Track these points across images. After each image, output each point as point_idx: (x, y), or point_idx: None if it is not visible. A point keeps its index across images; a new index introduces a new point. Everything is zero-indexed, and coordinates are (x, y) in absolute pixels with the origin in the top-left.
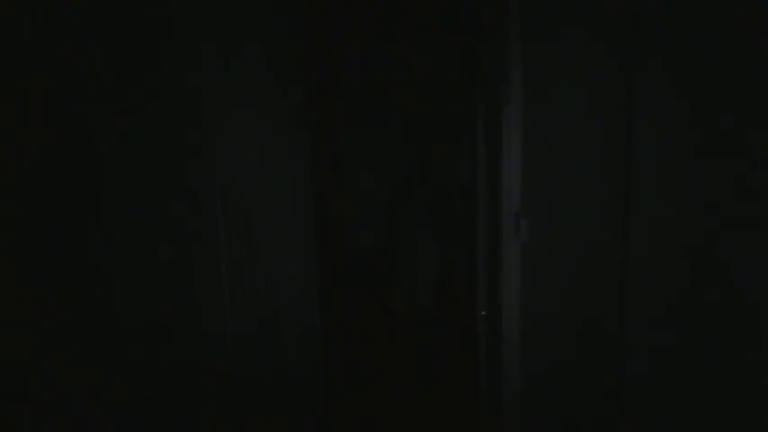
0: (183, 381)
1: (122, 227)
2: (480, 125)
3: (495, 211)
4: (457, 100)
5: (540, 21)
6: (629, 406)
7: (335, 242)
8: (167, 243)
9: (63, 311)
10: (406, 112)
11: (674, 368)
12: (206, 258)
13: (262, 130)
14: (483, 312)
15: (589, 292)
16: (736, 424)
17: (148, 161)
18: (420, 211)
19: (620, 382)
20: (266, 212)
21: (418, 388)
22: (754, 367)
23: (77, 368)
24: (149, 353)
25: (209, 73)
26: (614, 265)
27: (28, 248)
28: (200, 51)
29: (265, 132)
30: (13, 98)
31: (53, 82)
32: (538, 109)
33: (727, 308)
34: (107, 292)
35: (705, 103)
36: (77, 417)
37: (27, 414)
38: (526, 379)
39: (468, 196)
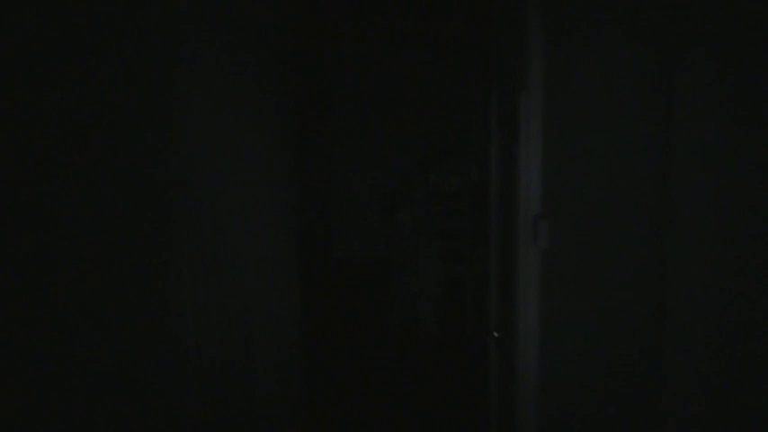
0: (140, 411)
1: (84, 237)
2: (493, 116)
3: (510, 214)
4: (464, 88)
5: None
6: None
7: (322, 254)
8: (131, 253)
9: (14, 324)
10: (403, 105)
11: (722, 410)
12: (169, 271)
13: (237, 133)
14: (495, 333)
15: (622, 311)
16: None
17: (115, 168)
18: (421, 217)
19: (660, 423)
20: (239, 220)
21: (417, 425)
22: None
23: (30, 394)
24: (105, 377)
25: (181, 75)
26: (652, 277)
27: None
28: (176, 53)
29: (241, 136)
30: None
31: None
32: (562, 95)
33: None
34: (63, 308)
35: (759, 95)
36: None
37: None
38: (545, 419)
39: (477, 198)
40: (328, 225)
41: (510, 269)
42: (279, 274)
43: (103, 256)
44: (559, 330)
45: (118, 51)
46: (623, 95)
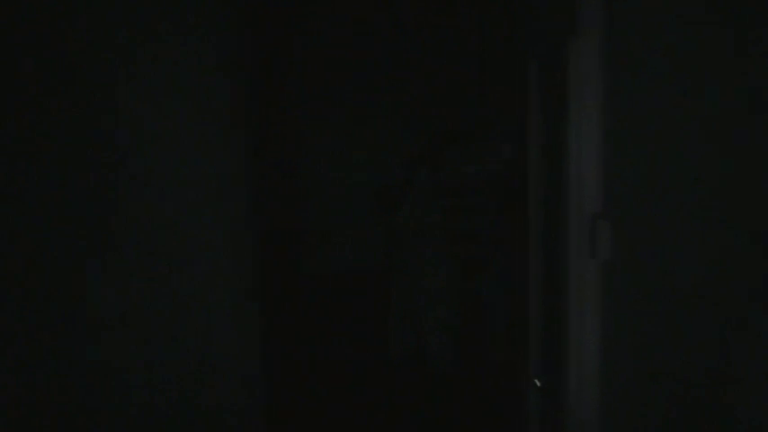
0: None
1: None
2: (533, 79)
3: (556, 213)
4: (483, 43)
5: None
6: None
7: (291, 266)
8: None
9: None
10: (401, 72)
11: None
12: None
13: (181, 126)
14: (536, 381)
15: (713, 344)
16: None
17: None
18: (428, 216)
19: None
20: (180, 226)
21: None
22: None
23: None
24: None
25: (119, 62)
26: (756, 302)
27: None
28: (114, 38)
29: (187, 130)
30: None
31: None
32: (629, 41)
33: None
34: None
35: None
36: None
37: None
38: None
39: (509, 190)
40: (301, 230)
41: (557, 288)
42: (232, 293)
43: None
44: (629, 375)
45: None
46: (724, 43)
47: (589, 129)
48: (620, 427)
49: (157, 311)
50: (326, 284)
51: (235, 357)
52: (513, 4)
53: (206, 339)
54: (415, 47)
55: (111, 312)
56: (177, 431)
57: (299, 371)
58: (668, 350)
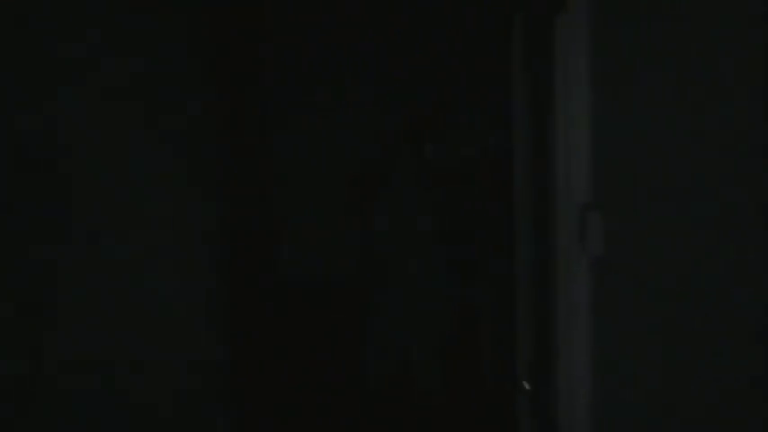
0: None
1: None
2: (518, 56)
3: (544, 204)
4: (470, 17)
5: None
6: None
7: (263, 269)
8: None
9: None
10: (379, 48)
11: None
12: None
13: (135, 119)
14: (525, 384)
15: (718, 347)
16: None
17: None
18: (409, 213)
19: None
20: (139, 224)
21: None
22: None
23: None
24: None
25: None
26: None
27: None
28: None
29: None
30: None
31: None
32: (621, 18)
33: None
34: None
35: None
36: None
37: None
38: None
39: (495, 181)
40: (270, 228)
41: (545, 286)
42: (197, 300)
43: None
44: (622, 378)
45: None
46: (728, 17)
47: (578, 110)
48: (611, 429)
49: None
50: (289, 291)
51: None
52: None
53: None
54: (399, 25)
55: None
56: None
57: (260, 385)
58: (661, 350)
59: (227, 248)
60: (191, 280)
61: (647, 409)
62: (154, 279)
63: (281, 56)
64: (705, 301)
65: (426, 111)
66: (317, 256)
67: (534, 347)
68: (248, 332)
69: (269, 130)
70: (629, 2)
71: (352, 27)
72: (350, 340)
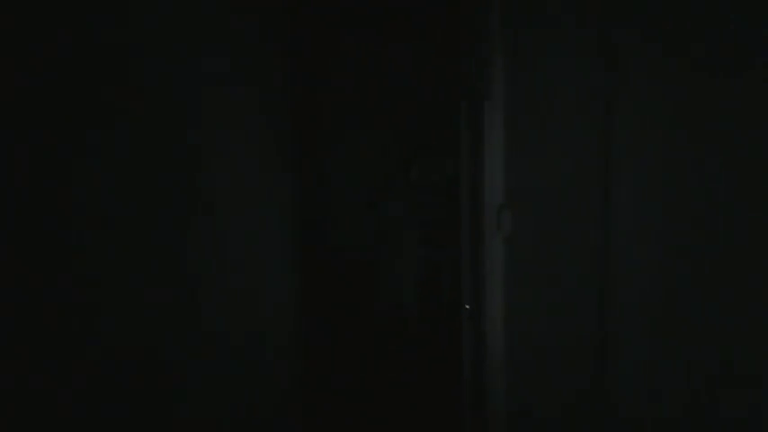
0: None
1: (101, 237)
2: (463, 120)
3: (477, 205)
4: (439, 96)
5: (520, 17)
6: (613, 406)
7: (316, 242)
8: (140, 251)
9: (40, 311)
10: (386, 110)
11: (659, 370)
12: (179, 265)
13: (242, 136)
14: (467, 306)
15: (572, 287)
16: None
17: (123, 162)
18: (403, 209)
19: (604, 381)
20: (243, 209)
21: (401, 387)
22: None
23: (70, 367)
24: (123, 363)
25: (189, 82)
26: (596, 257)
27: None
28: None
29: (245, 138)
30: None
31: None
32: (520, 102)
33: (710, 296)
34: (89, 300)
35: (695, 98)
36: (65, 416)
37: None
38: (511, 379)
39: (451, 190)
40: (320, 215)
41: (478, 252)
42: (280, 263)
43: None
44: (520, 301)
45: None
46: (572, 105)
47: (496, 151)
48: (513, 330)
49: (225, 269)
50: (330, 256)
51: (281, 301)
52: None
53: (258, 290)
54: (398, 96)
55: (204, 272)
56: (240, 348)
57: (316, 315)
58: (546, 287)
59: (298, 226)
60: (283, 252)
61: (533, 324)
62: (264, 253)
63: (332, 113)
64: (567, 257)
65: (411, 147)
66: (343, 234)
67: (471, 286)
68: (309, 280)
69: (323, 162)
70: (524, 98)
71: (373, 105)
72: (366, 287)
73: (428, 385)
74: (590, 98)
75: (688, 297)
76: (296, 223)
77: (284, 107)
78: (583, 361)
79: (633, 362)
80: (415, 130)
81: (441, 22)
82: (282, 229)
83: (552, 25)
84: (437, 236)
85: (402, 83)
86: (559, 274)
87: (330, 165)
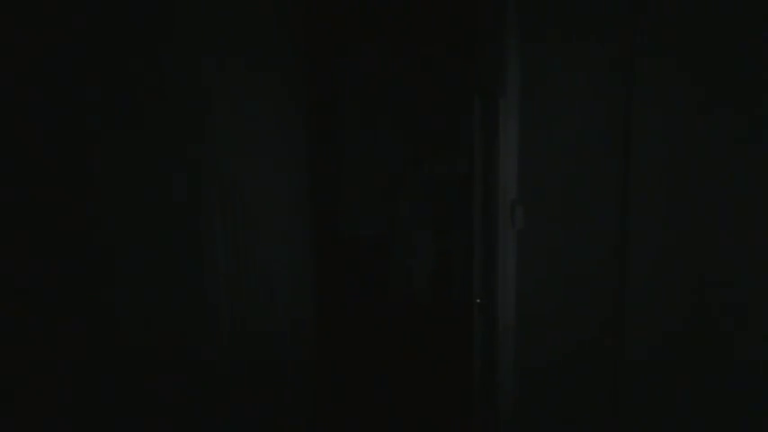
0: (180, 370)
1: (122, 224)
2: (477, 117)
3: (491, 200)
4: (455, 92)
5: (536, 17)
6: (627, 395)
7: (333, 233)
8: (168, 238)
9: (68, 312)
10: (403, 104)
11: (674, 355)
12: (205, 251)
13: (262, 128)
14: (478, 300)
15: (586, 279)
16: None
17: (149, 159)
18: (417, 202)
19: (618, 371)
20: (263, 202)
21: (414, 376)
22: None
23: (90, 363)
24: (147, 347)
25: (210, 76)
26: (611, 251)
27: (33, 250)
28: (200, 57)
29: (266, 129)
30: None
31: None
32: (534, 100)
33: (726, 287)
34: (110, 291)
35: (712, 93)
36: (87, 412)
37: (28, 411)
38: (522, 371)
39: (463, 185)
40: (337, 205)
41: (491, 246)
42: (297, 250)
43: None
44: (533, 294)
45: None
46: (588, 100)
47: (511, 148)
48: (526, 324)
49: (245, 257)
50: (346, 245)
51: (297, 284)
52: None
53: (275, 276)
54: (414, 94)
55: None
56: (258, 331)
57: (331, 300)
58: (558, 281)
59: (316, 221)
60: (300, 235)
61: (543, 313)
62: (281, 241)
63: (350, 109)
64: (580, 252)
65: (424, 145)
66: (362, 224)
67: (483, 279)
68: (325, 266)
69: (343, 155)
70: (539, 94)
71: (390, 102)
72: (381, 273)
73: (440, 376)
74: (605, 97)
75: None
76: (312, 217)
77: (302, 109)
78: (595, 354)
79: (650, 351)
80: (428, 128)
81: (457, 21)
82: (297, 222)
83: (568, 25)
84: (450, 229)
85: (416, 81)
86: (575, 268)
87: (347, 162)
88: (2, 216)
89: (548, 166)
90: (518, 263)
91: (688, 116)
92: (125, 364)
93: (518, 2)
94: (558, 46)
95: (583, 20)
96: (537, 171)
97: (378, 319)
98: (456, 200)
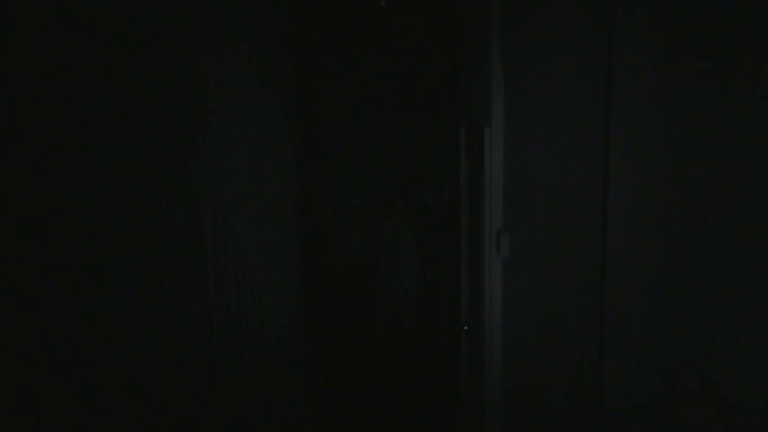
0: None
1: (116, 237)
2: (462, 146)
3: (476, 228)
4: (439, 123)
5: (520, 48)
6: (610, 420)
7: (321, 259)
8: (160, 256)
9: (61, 319)
10: (387, 137)
11: (657, 384)
12: (195, 273)
13: (253, 156)
14: (465, 327)
15: (568, 305)
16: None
17: (143, 176)
18: (403, 229)
19: (601, 395)
20: (253, 228)
21: (398, 401)
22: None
23: (84, 371)
24: (139, 358)
25: (209, 96)
26: (594, 276)
27: (29, 254)
28: (199, 69)
29: (256, 156)
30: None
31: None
32: (519, 129)
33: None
34: (104, 299)
35: (692, 125)
36: (85, 415)
37: (27, 413)
38: (508, 395)
39: (449, 214)
40: (324, 234)
41: (477, 274)
42: (284, 273)
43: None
44: (518, 322)
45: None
46: (569, 136)
47: (496, 177)
48: (512, 351)
49: (235, 282)
50: (334, 274)
51: (286, 312)
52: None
53: (264, 302)
54: (400, 124)
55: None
56: (248, 353)
57: (319, 328)
58: (543, 308)
59: (304, 247)
60: (288, 263)
61: (530, 341)
62: (271, 269)
63: (336, 138)
64: (563, 280)
65: (412, 177)
66: (349, 250)
67: (470, 307)
68: (312, 294)
69: (328, 180)
70: (523, 125)
71: (376, 130)
72: (367, 300)
73: (427, 396)
74: (588, 126)
75: (685, 323)
76: (300, 241)
77: (291, 135)
78: (580, 382)
79: (632, 377)
80: (413, 157)
81: (442, 51)
82: (287, 246)
83: (550, 55)
84: (434, 257)
85: (402, 112)
86: (555, 293)
87: (335, 190)
88: None
89: (533, 195)
90: (504, 290)
91: (674, 139)
92: (120, 365)
93: (503, 33)
94: (542, 76)
95: (567, 50)
96: (523, 200)
97: (364, 346)
98: (442, 228)
